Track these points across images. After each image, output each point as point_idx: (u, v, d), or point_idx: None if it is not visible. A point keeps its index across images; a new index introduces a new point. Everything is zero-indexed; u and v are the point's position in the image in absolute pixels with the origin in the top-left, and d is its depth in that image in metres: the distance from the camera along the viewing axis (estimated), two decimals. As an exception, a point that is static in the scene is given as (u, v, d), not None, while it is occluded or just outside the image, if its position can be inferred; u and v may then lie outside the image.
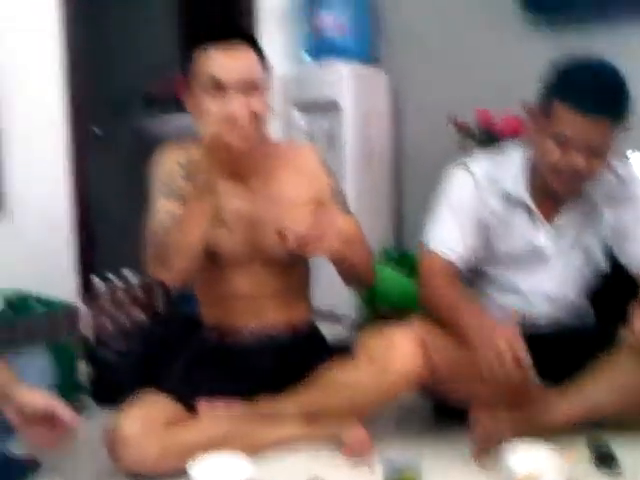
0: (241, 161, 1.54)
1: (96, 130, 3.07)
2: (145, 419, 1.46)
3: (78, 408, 1.90)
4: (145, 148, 3.45)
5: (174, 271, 1.50)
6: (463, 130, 2.50)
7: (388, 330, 1.57)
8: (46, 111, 2.42)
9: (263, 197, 1.63)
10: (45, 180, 2.39)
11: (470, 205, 1.65)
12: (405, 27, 3.07)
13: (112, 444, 1.45)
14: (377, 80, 3.07)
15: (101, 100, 3.48)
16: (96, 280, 1.23)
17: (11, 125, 2.29)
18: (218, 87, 1.51)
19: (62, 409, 1.29)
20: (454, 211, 1.66)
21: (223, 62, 1.52)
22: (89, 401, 1.94)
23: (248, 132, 1.50)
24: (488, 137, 2.43)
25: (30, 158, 2.34)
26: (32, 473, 1.50)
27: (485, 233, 1.66)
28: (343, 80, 2.91)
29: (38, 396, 1.30)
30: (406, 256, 2.81)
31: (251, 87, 1.53)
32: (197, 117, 1.55)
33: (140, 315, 1.28)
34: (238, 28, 1.64)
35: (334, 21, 2.99)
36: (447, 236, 1.64)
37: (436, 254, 1.64)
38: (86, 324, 1.23)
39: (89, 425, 1.60)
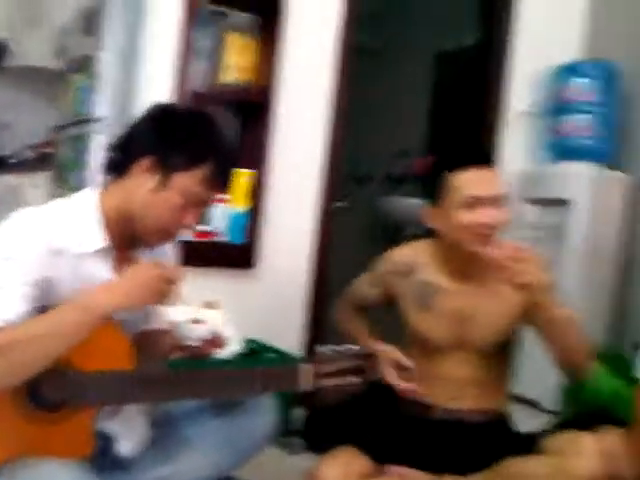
0: (472, 262, 1.77)
1: (338, 203, 3.45)
2: (343, 469, 1.68)
3: (289, 447, 2.22)
4: (381, 223, 3.85)
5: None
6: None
7: (578, 434, 1.64)
8: (300, 187, 2.82)
9: (478, 295, 1.80)
10: (294, 246, 2.79)
11: None
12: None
13: (313, 485, 1.70)
14: (614, 181, 3.09)
15: (346, 174, 3.92)
16: (324, 348, 1.50)
17: (269, 199, 2.72)
18: (474, 203, 1.72)
19: None
20: None
21: (480, 181, 1.75)
22: (300, 443, 2.25)
23: (491, 240, 1.71)
24: None
25: (284, 226, 2.75)
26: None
27: None
28: (580, 180, 2.99)
29: None
30: (622, 358, 2.76)
31: (499, 202, 1.74)
32: (443, 227, 1.79)
33: (356, 380, 1.51)
34: (486, 155, 1.88)
35: (578, 125, 3.09)
36: None
37: None
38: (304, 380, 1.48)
39: (299, 462, 1.86)
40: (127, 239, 1.46)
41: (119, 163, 1.46)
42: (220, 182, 1.47)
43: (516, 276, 1.61)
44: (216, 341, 1.46)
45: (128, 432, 1.50)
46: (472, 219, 1.72)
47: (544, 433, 1.76)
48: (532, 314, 1.75)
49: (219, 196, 2.51)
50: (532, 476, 1.62)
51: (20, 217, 1.37)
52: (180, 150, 1.40)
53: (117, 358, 1.38)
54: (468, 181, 1.75)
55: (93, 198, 1.44)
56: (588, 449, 1.58)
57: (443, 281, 1.84)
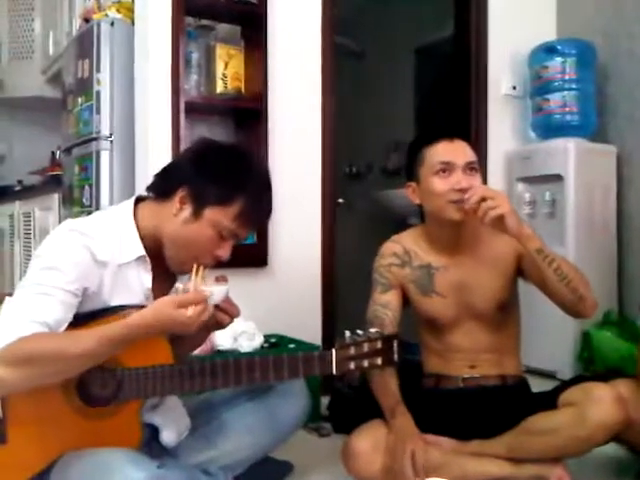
0: (458, 233, 1.87)
1: (339, 200, 3.56)
2: (373, 440, 1.78)
3: (319, 431, 2.32)
4: (381, 215, 3.95)
5: None
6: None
7: (592, 384, 1.73)
8: (301, 186, 2.92)
9: (472, 264, 1.90)
10: (301, 243, 2.88)
11: None
12: (632, 101, 3.19)
13: (346, 457, 1.80)
14: (602, 153, 3.19)
15: (344, 172, 4.02)
16: (346, 332, 1.59)
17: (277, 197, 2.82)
18: (446, 169, 1.81)
19: None
20: None
21: (449, 149, 1.85)
22: (328, 427, 2.35)
23: (472, 205, 1.76)
24: None
25: (291, 225, 2.84)
26: (287, 474, 1.91)
27: None
28: (567, 155, 3.07)
29: None
30: (627, 322, 2.86)
31: (472, 168, 1.84)
32: (423, 200, 1.88)
33: (378, 361, 1.59)
34: (454, 129, 1.98)
35: (560, 102, 3.18)
36: None
37: None
38: (330, 365, 1.57)
39: (329, 444, 1.97)
40: (161, 255, 1.53)
41: (159, 187, 1.54)
42: (253, 219, 1.51)
43: (487, 214, 1.70)
44: (230, 309, 1.51)
45: (170, 423, 1.60)
46: (445, 185, 1.81)
47: (560, 388, 1.84)
48: (522, 266, 1.86)
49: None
50: (554, 429, 1.72)
51: (66, 229, 1.45)
52: (213, 185, 1.45)
53: (157, 353, 1.48)
54: (438, 150, 1.85)
55: (131, 211, 1.53)
56: (603, 396, 1.67)
57: (437, 260, 1.92)
